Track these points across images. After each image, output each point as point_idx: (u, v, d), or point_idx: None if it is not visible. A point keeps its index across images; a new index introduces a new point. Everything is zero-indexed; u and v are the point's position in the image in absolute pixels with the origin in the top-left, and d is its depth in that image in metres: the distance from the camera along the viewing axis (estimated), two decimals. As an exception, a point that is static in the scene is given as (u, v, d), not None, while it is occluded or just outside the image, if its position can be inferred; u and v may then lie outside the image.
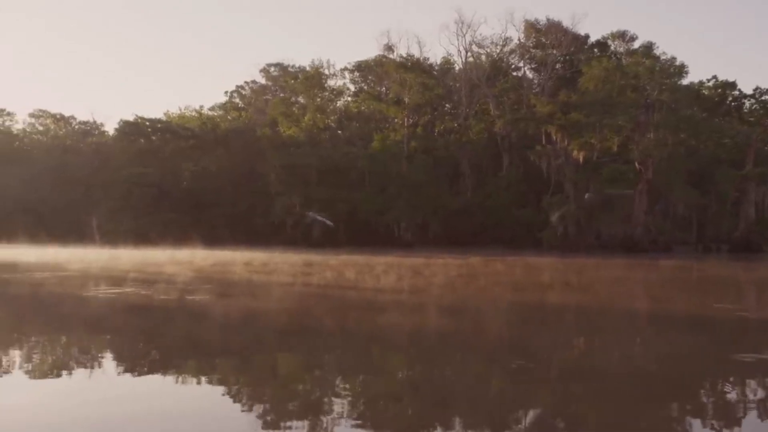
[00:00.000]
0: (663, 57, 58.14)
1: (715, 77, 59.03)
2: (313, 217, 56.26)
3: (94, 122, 76.82)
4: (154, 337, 10.04)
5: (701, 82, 58.64)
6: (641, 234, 48.32)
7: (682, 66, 53.63)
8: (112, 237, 55.77)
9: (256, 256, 36.88)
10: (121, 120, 68.76)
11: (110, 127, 75.48)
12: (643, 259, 37.90)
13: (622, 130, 48.99)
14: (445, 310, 13.38)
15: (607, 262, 33.10)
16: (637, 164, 48.22)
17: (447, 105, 69.94)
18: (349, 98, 71.65)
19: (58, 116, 76.04)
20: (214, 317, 12.15)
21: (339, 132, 69.41)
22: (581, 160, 49.18)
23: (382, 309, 13.39)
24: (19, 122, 76.96)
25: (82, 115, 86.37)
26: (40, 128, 77.09)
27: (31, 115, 76.33)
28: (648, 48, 59.84)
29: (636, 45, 63.75)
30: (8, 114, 76.06)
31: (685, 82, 55.73)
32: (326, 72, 68.67)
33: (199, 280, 19.74)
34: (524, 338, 10.07)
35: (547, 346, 9.18)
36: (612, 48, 66.52)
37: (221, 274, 23.02)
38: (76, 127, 76.51)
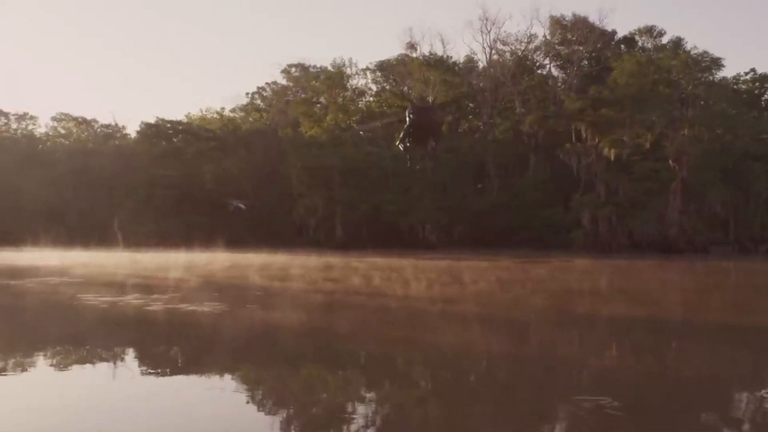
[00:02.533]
0: (694, 52, 56.32)
1: (753, 70, 56.95)
2: (234, 204, 55.87)
3: (116, 125, 76.85)
4: (124, 357, 8.55)
5: (738, 76, 56.58)
6: (676, 234, 46.55)
7: (718, 59, 51.64)
8: (134, 239, 55.38)
9: (278, 258, 35.95)
10: (142, 122, 68.68)
11: (132, 130, 75.53)
12: (682, 260, 36.32)
13: (654, 127, 47.25)
14: (497, 325, 11.70)
15: (650, 264, 31.52)
16: (671, 161, 46.47)
17: (471, 104, 68.61)
18: (371, 98, 70.64)
19: (80, 119, 76.17)
20: (207, 335, 10.24)
21: (361, 133, 68.41)
22: (612, 157, 47.54)
23: (425, 324, 11.81)
24: (42, 126, 77.43)
25: (103, 118, 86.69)
26: (63, 132, 77.28)
27: (54, 119, 76.69)
28: (677, 43, 58.01)
29: (664, 40, 62.11)
30: (31, 118, 76.50)
31: (720, 76, 53.80)
32: (348, 71, 67.74)
33: (211, 286, 18.55)
34: (603, 366, 8.02)
35: (636, 379, 7.11)
36: (639, 44, 64.73)
37: (238, 279, 21.95)
38: (98, 130, 76.57)
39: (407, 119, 41.26)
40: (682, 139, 46.15)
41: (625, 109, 46.66)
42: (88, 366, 7.97)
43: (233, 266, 28.74)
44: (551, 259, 33.80)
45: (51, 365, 7.98)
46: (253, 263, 30.86)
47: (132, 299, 14.62)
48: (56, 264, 30.40)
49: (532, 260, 33.50)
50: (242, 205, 54.39)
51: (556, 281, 21.44)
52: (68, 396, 6.35)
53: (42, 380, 7.08)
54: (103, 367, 7.82)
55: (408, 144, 41.68)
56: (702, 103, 48.38)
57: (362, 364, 8.21)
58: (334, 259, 34.69)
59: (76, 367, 7.87)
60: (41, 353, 8.68)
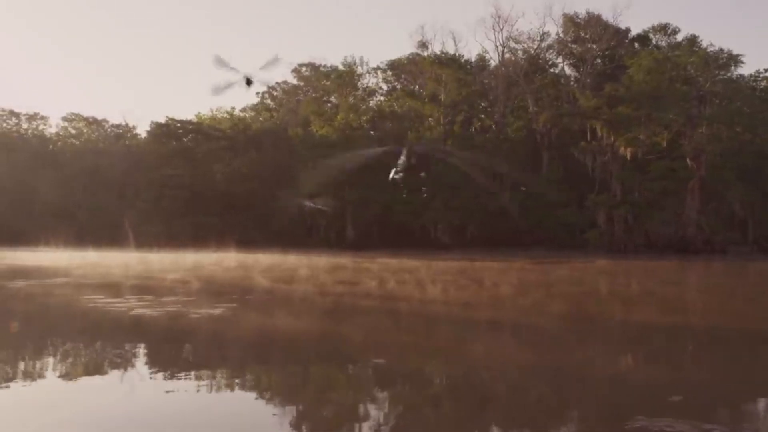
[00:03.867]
0: (710, 49, 55.28)
1: (771, 68, 55.82)
2: (309, 205, 54.91)
3: (126, 125, 76.63)
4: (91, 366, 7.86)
5: (756, 73, 55.43)
6: (694, 234, 45.61)
7: (736, 56, 50.59)
8: (144, 240, 55.04)
9: (289, 260, 35.38)
10: (152, 122, 68.40)
11: (142, 130, 75.29)
12: (702, 261, 35.45)
13: (671, 125, 46.30)
14: (538, 336, 10.45)
15: (671, 265, 30.64)
16: (688, 160, 45.52)
17: (483, 103, 67.83)
18: (382, 97, 70.00)
19: (90, 119, 75.98)
20: (199, 346, 9.30)
21: (371, 132, 67.77)
22: (628, 156, 46.65)
23: (443, 331, 10.92)
24: (53, 126, 77.26)
25: (114, 118, 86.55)
26: (73, 132, 77.15)
27: (64, 119, 76.51)
28: (692, 41, 57.02)
29: (679, 38, 61.12)
30: (42, 118, 76.35)
31: (737, 73, 52.72)
32: (359, 70, 67.09)
33: (220, 289, 17.86)
34: (650, 381, 7.03)
35: (697, 398, 6.21)
36: (653, 42, 63.75)
37: (247, 280, 21.35)
38: (109, 130, 76.39)
39: (403, 159, 42.17)
40: (701, 137, 45.16)
41: (642, 106, 45.77)
42: (87, 377, 7.44)
43: (242, 267, 28.25)
44: (569, 260, 33.00)
45: (55, 371, 7.46)
46: (265, 265, 30.32)
47: (135, 303, 14.08)
48: (65, 264, 30.02)
49: (549, 261, 32.75)
50: (322, 206, 52.98)
51: (580, 284, 20.67)
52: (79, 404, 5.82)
53: (49, 388, 6.56)
54: (110, 377, 7.29)
55: (398, 177, 42.85)
56: (720, 100, 47.28)
57: (376, 379, 7.54)
58: (346, 260, 34.13)
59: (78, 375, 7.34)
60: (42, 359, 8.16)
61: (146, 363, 8.04)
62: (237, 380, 6.96)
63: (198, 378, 6.99)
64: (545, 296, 16.73)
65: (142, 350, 8.82)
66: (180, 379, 6.90)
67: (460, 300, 15.47)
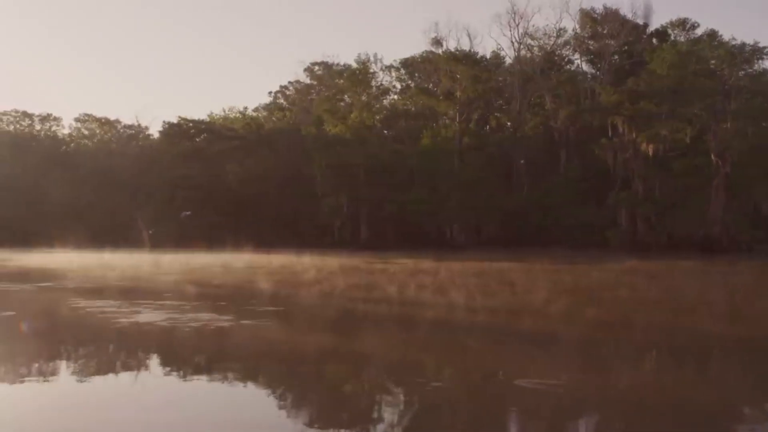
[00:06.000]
0: (732, 43, 53.81)
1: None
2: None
3: (139, 125, 76.31)
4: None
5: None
6: (719, 233, 44.22)
7: (762, 48, 49.03)
8: (156, 240, 54.56)
9: (303, 260, 34.53)
10: (164, 122, 68.02)
11: (155, 130, 74.98)
12: (730, 261, 34.20)
13: (695, 121, 44.95)
14: (585, 351, 9.09)
15: (705, 266, 29.26)
16: (713, 156, 44.15)
17: (499, 101, 66.76)
18: (396, 96, 69.08)
19: (103, 120, 75.78)
20: (185, 367, 8.08)
21: (385, 132, 66.86)
22: (650, 153, 45.35)
23: (498, 349, 9.54)
24: (65, 127, 77.16)
25: (127, 118, 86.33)
26: (86, 132, 77.02)
27: (77, 120, 76.42)
28: (712, 36, 55.57)
29: (698, 34, 59.68)
30: (54, 119, 76.24)
31: (762, 67, 51.12)
32: (373, 67, 66.14)
33: (229, 294, 16.92)
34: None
35: None
36: (672, 37, 62.36)
37: (257, 284, 20.46)
38: (121, 130, 76.16)
39: None
40: (725, 133, 43.78)
41: (665, 102, 44.47)
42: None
43: (254, 269, 27.41)
44: (597, 261, 31.77)
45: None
46: (277, 266, 29.50)
47: (138, 308, 13.28)
48: (76, 266, 29.38)
49: (576, 262, 31.61)
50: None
51: (617, 287, 19.39)
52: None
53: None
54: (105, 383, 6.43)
55: None
56: (745, 96, 45.82)
57: (397, 408, 6.47)
58: (361, 262, 33.21)
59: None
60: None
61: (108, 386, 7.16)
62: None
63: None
64: (584, 302, 15.44)
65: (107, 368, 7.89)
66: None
67: (490, 307, 14.22)
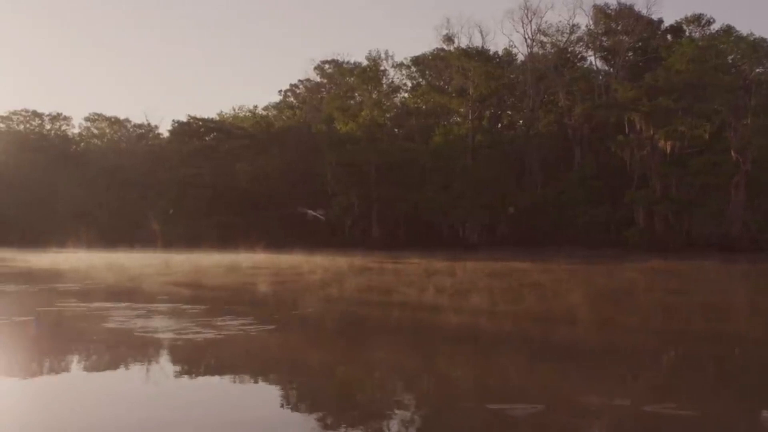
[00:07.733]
0: (751, 38, 52.67)
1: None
2: (310, 213, 54.35)
3: (148, 124, 76.08)
4: None
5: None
6: (739, 232, 43.20)
7: (783, 42, 47.91)
8: (167, 240, 54.10)
9: (315, 260, 33.87)
10: (174, 120, 67.68)
11: (164, 129, 74.69)
12: (747, 260, 33.21)
13: (714, 117, 43.91)
14: (640, 366, 7.78)
15: (730, 265, 28.16)
16: (733, 153, 43.12)
17: (511, 98, 65.90)
18: (407, 94, 68.30)
19: (112, 119, 75.63)
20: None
21: (396, 130, 66.10)
22: (668, 150, 44.36)
23: (538, 366, 7.90)
24: (75, 126, 77.05)
25: (136, 117, 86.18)
26: (96, 132, 76.88)
27: (87, 119, 76.29)
28: (728, 32, 54.47)
29: (713, 29, 58.57)
30: (64, 118, 76.09)
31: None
32: (384, 64, 65.41)
33: (239, 298, 15.97)
34: None
35: None
36: (687, 33, 61.27)
37: (266, 286, 19.71)
38: (131, 129, 75.97)
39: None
40: (746, 129, 42.72)
41: (683, 97, 43.43)
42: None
43: (263, 270, 26.77)
44: (617, 261, 30.86)
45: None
46: (287, 266, 28.84)
47: (120, 315, 12.64)
48: (84, 266, 28.87)
49: (594, 262, 30.77)
50: (319, 215, 52.97)
51: (653, 289, 18.24)
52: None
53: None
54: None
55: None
56: (765, 91, 44.74)
57: None
58: (373, 262, 32.50)
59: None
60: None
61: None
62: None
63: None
64: (626, 308, 14.04)
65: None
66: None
67: (518, 312, 13.13)
